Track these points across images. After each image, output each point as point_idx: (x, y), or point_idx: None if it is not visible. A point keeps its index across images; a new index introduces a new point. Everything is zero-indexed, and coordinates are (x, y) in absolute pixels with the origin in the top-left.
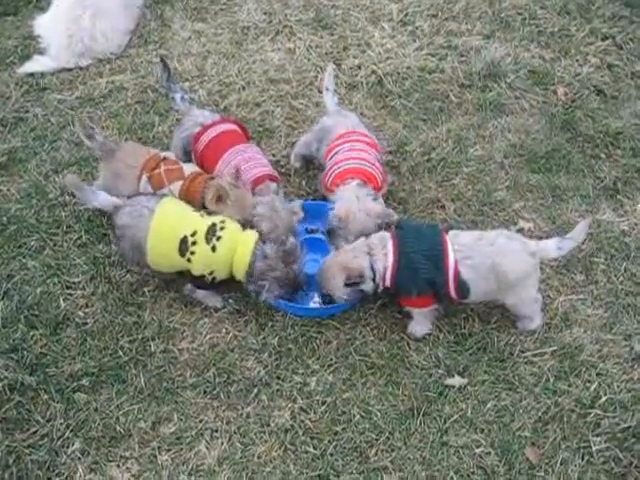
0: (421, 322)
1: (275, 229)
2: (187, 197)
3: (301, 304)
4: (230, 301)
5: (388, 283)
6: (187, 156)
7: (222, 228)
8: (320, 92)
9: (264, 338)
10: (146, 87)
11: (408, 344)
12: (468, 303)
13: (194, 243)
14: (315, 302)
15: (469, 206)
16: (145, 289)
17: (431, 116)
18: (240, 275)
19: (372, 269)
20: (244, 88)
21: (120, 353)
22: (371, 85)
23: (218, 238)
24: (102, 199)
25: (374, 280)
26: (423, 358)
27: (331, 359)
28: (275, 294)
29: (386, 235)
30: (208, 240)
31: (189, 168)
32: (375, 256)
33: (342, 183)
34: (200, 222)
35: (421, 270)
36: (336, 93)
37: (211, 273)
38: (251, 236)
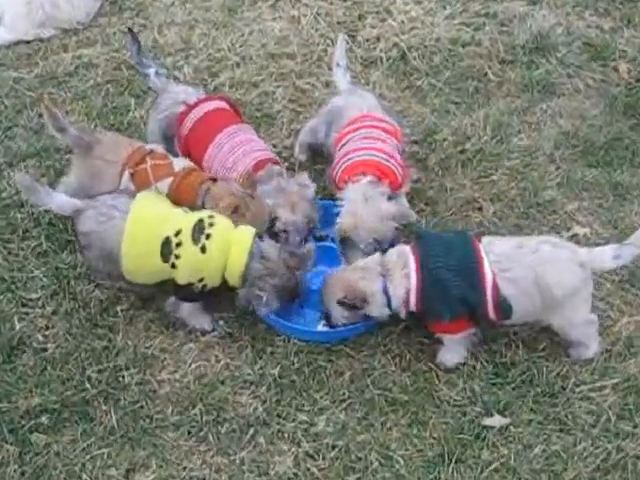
0: (453, 349)
1: (295, 210)
2: (177, 197)
3: (306, 325)
4: (221, 323)
5: (414, 308)
6: (167, 143)
7: (211, 224)
8: (330, 69)
9: (262, 368)
10: (120, 63)
11: (437, 376)
12: (510, 325)
13: (179, 244)
14: (324, 325)
15: (512, 208)
16: (117, 308)
17: (465, 98)
18: (235, 280)
19: (386, 293)
20: (238, 65)
21: (87, 385)
22: (392, 61)
23: (207, 236)
24: (59, 201)
25: (389, 306)
26: (456, 393)
27: (343, 393)
28: (272, 308)
29: (406, 250)
30: (196, 240)
31: (180, 163)
32: (392, 277)
33: (351, 179)
34: (184, 219)
35: (452, 289)
36: (349, 70)
37: (201, 280)
38: (247, 232)
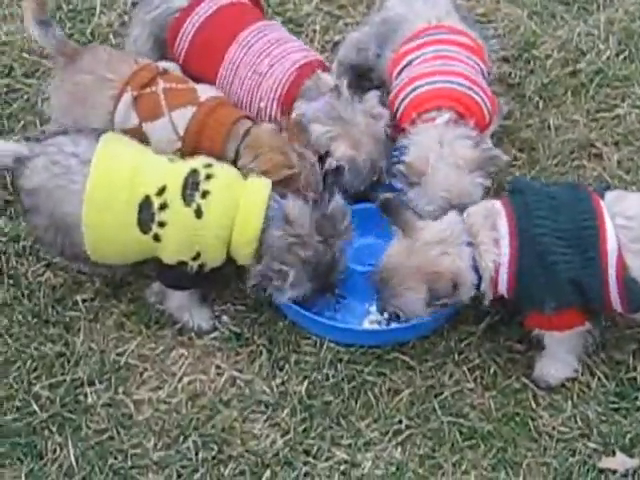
0: (559, 357)
1: (357, 146)
2: (200, 137)
3: (346, 322)
4: (225, 319)
5: (504, 290)
6: (160, 52)
7: (209, 176)
8: None
9: (283, 384)
10: None
11: (535, 397)
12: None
13: (163, 207)
14: (372, 321)
15: None
16: (77, 297)
17: None
18: (244, 255)
19: (476, 270)
20: None
21: (34, 407)
22: None
23: (204, 194)
24: None
25: (478, 287)
26: (561, 422)
27: (399, 421)
28: (300, 292)
29: (496, 206)
30: (187, 199)
31: (206, 90)
32: (481, 245)
33: (421, 117)
34: (171, 170)
35: (560, 264)
36: None
37: (196, 257)
38: (261, 185)
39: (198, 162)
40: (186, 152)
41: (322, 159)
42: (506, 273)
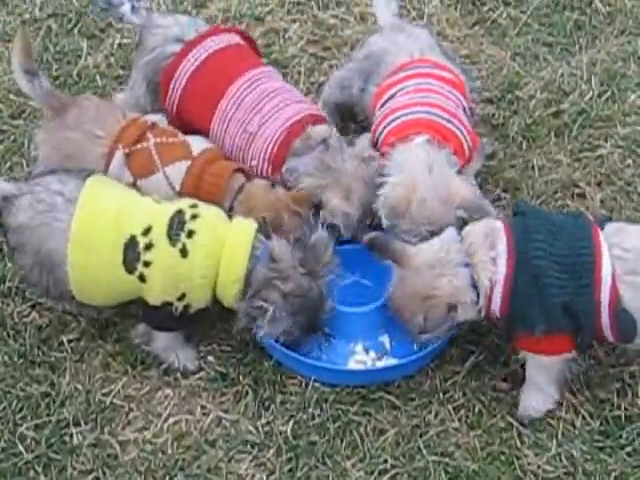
0: (540, 389)
1: (350, 196)
2: (198, 190)
3: (332, 362)
4: (210, 359)
5: (496, 308)
6: (154, 97)
7: (195, 216)
8: None
9: (269, 423)
10: None
11: (520, 435)
12: (621, 364)
13: (149, 247)
14: (358, 361)
15: (629, 194)
16: (63, 338)
17: (561, 38)
18: (230, 296)
19: (475, 287)
20: None
21: (20, 448)
22: None
23: (190, 234)
24: None
25: (477, 302)
26: (546, 460)
27: (385, 461)
28: (283, 328)
29: (496, 226)
30: (173, 239)
31: (198, 143)
32: (479, 263)
33: (400, 141)
34: (157, 211)
35: (553, 288)
36: None
37: (182, 297)
38: (247, 226)
39: (184, 203)
40: None
41: (317, 208)
42: (500, 292)
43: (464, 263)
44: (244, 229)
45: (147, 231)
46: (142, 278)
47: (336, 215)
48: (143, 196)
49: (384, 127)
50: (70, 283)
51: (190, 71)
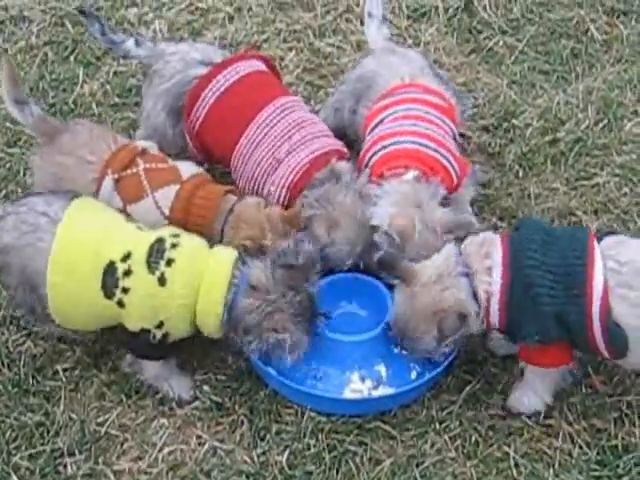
0: (535, 390)
1: (335, 227)
2: (188, 214)
3: (327, 390)
4: (205, 388)
5: (495, 320)
6: (175, 122)
7: (175, 245)
8: (363, 24)
9: (264, 453)
10: (62, 17)
11: (517, 465)
12: (628, 369)
13: (128, 273)
14: (354, 389)
15: (625, 223)
16: (58, 367)
17: (558, 66)
18: (210, 325)
19: (475, 298)
20: (232, 18)
21: (14, 478)
22: (453, 12)
23: (169, 262)
24: None
25: (479, 313)
26: None
27: None
28: (303, 347)
29: (492, 238)
30: (152, 266)
31: (188, 167)
32: (476, 274)
33: (390, 173)
34: (138, 238)
35: (544, 298)
36: (387, 22)
37: (160, 325)
38: (226, 255)
39: (165, 231)
40: None
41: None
42: (497, 303)
43: (464, 273)
44: (223, 258)
45: (126, 257)
46: (120, 304)
47: (317, 244)
48: (128, 221)
49: (372, 154)
50: (49, 305)
51: (220, 91)
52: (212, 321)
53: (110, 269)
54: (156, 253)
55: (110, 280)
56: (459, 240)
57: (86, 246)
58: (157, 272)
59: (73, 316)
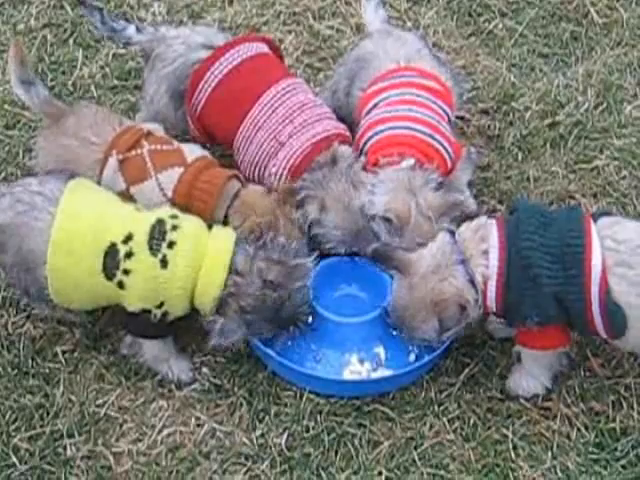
0: (533, 373)
1: (325, 210)
2: (190, 198)
3: (326, 372)
4: (204, 370)
5: (492, 303)
6: (178, 105)
7: (176, 227)
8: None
9: (263, 435)
10: None
11: (515, 448)
12: (627, 351)
13: (129, 255)
14: (353, 371)
15: (625, 206)
16: (57, 349)
17: (557, 49)
18: (208, 306)
19: (472, 283)
20: (231, 1)
21: (13, 459)
22: None
23: (170, 244)
24: None
25: (477, 299)
26: (541, 473)
27: (379, 473)
28: (234, 338)
29: (487, 222)
30: (154, 249)
31: (193, 150)
32: (471, 257)
33: (384, 161)
34: (138, 219)
35: (543, 279)
36: (384, 4)
37: (160, 305)
38: (227, 237)
39: (164, 212)
40: None
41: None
42: (494, 285)
43: (460, 260)
44: (224, 240)
45: (127, 239)
46: (121, 285)
47: (311, 219)
48: (124, 203)
49: (367, 139)
50: (48, 286)
51: (222, 74)
52: (209, 302)
53: (111, 251)
54: (158, 235)
55: (111, 262)
56: (456, 222)
57: (86, 228)
58: (159, 254)
59: (72, 297)
